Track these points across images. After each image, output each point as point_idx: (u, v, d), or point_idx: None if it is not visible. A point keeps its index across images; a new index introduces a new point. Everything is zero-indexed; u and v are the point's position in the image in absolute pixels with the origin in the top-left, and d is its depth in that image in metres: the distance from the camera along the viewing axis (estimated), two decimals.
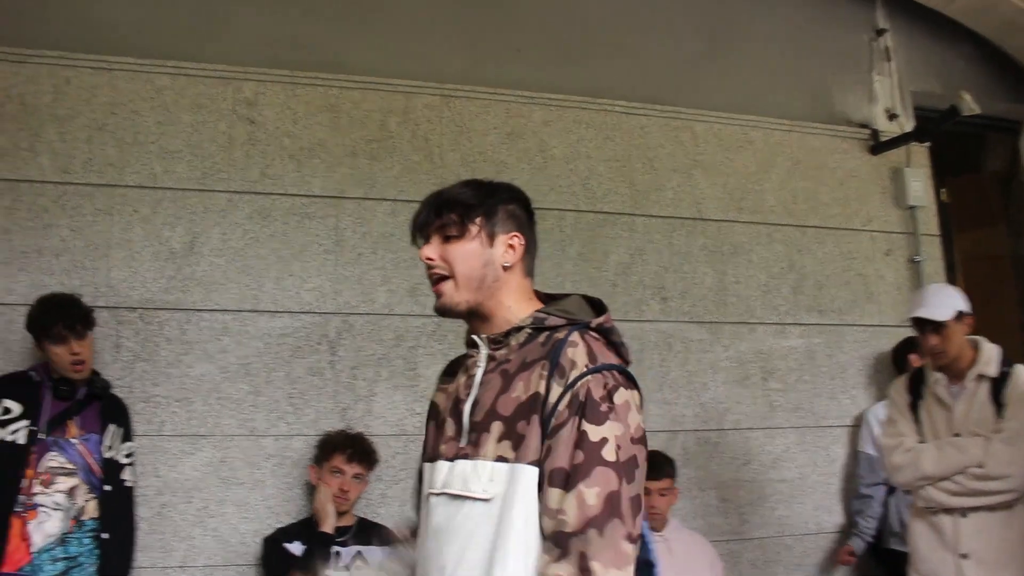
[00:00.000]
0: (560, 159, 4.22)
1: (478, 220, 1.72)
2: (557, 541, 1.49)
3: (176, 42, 3.90)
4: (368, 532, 3.43)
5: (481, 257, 1.71)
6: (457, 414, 1.71)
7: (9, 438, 3.06)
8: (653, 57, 4.47)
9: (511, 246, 1.74)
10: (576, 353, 1.60)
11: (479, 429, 1.64)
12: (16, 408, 3.12)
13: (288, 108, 3.94)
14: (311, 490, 3.51)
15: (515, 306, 1.73)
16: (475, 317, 1.75)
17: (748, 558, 4.16)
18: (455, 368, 1.88)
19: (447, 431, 1.73)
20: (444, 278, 1.72)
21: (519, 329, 1.70)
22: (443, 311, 1.74)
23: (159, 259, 3.68)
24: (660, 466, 3.60)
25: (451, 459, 1.67)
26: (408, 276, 3.90)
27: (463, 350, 1.85)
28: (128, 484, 3.27)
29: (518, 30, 4.32)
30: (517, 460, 1.56)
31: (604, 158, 4.28)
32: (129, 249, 3.66)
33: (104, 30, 3.85)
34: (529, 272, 1.79)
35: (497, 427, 1.61)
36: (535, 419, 1.56)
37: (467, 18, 4.28)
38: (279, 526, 3.48)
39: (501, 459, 1.58)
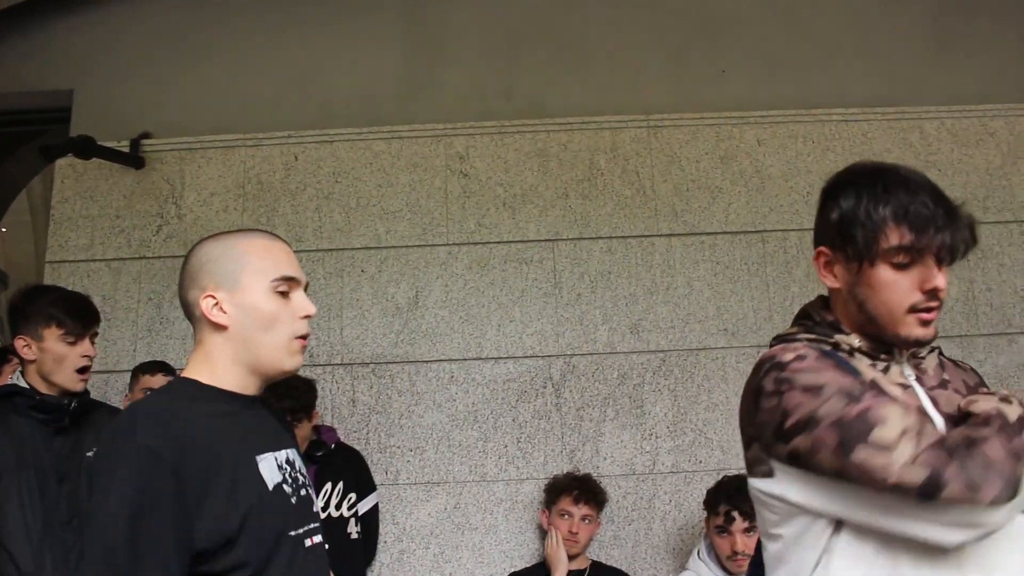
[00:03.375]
0: (778, 177, 4.04)
1: None
2: None
3: (389, 107, 4.12)
4: None
5: None
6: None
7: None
8: (868, 58, 4.20)
9: None
10: None
11: None
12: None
13: (499, 157, 4.04)
14: (543, 534, 3.51)
15: None
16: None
17: None
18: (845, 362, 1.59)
19: None
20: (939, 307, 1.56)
21: (931, 351, 1.64)
22: (929, 343, 1.58)
23: (387, 315, 3.86)
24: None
25: None
26: (628, 313, 3.86)
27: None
28: (353, 537, 3.38)
29: (721, 51, 4.21)
30: None
31: (825, 171, 3.96)
32: (359, 308, 3.86)
33: (325, 105, 4.14)
34: None
35: None
36: None
37: (667, 46, 4.22)
38: (513, 570, 3.50)
39: None
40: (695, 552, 3.30)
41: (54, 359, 2.63)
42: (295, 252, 3.83)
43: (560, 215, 3.97)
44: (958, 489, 1.30)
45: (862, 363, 1.55)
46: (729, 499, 3.17)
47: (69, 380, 2.64)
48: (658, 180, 4.02)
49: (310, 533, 1.62)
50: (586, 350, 3.84)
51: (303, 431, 3.32)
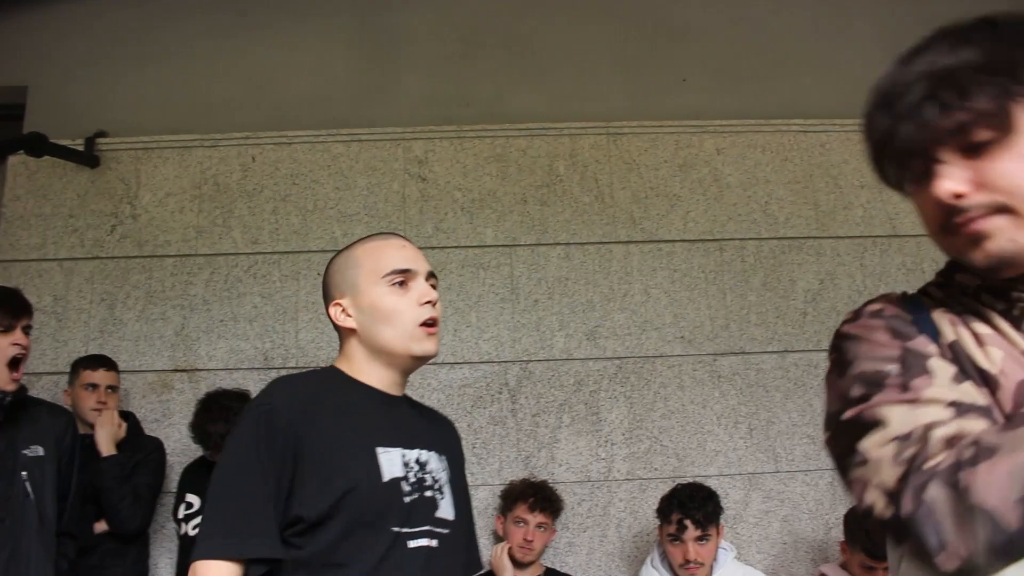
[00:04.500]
0: (736, 186, 4.06)
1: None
2: None
3: (349, 110, 4.10)
4: None
5: None
6: None
7: (192, 533, 3.20)
8: (826, 70, 4.23)
9: None
10: None
11: None
12: (196, 502, 3.26)
13: (457, 162, 4.02)
14: (499, 541, 3.49)
15: None
16: None
17: None
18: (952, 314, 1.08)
19: None
20: (998, 211, 0.98)
21: None
22: (1001, 265, 1.00)
23: None
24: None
25: None
26: (585, 319, 3.85)
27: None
28: None
29: (682, 59, 4.23)
30: None
31: (784, 181, 4.08)
32: (315, 311, 3.83)
33: (284, 107, 4.11)
34: None
35: None
36: None
37: (629, 54, 4.23)
38: None
39: None
40: (648, 560, 3.30)
41: None
42: (251, 255, 3.82)
43: (518, 220, 3.97)
44: (914, 547, 0.88)
45: (983, 312, 1.05)
46: (682, 507, 3.16)
47: (4, 379, 2.61)
48: (617, 187, 4.02)
49: (422, 535, 1.65)
50: (542, 356, 3.83)
51: None
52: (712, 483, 3.38)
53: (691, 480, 3.39)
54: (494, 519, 3.56)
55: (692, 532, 3.11)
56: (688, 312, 3.89)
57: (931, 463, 0.88)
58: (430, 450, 1.75)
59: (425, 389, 3.76)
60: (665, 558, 3.23)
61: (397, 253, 1.78)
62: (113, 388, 3.47)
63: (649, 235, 3.96)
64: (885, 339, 1.06)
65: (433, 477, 1.72)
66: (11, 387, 2.64)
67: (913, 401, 0.97)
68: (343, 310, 1.76)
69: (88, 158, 3.99)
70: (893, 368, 1.02)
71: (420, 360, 1.77)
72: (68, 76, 4.21)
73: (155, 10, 4.29)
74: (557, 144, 4.06)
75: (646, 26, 4.27)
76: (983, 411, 0.95)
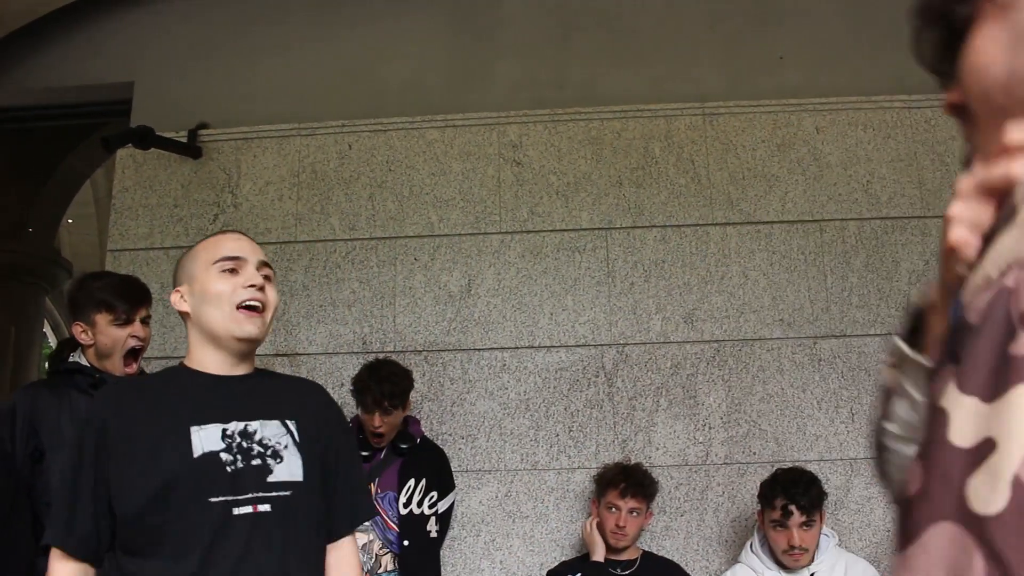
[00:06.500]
0: (836, 166, 3.96)
1: None
2: None
3: (442, 96, 4.12)
4: (653, 567, 3.34)
5: None
6: None
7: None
8: None
9: None
10: None
11: None
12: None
13: (551, 146, 4.02)
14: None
15: None
16: None
17: None
18: None
19: None
20: None
21: None
22: None
23: (439, 303, 3.87)
24: None
25: None
26: (683, 302, 3.82)
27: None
28: (432, 536, 3.33)
29: (778, 37, 4.13)
30: None
31: (886, 159, 3.97)
32: (412, 295, 3.88)
33: (379, 94, 4.15)
34: None
35: None
36: None
37: (725, 33, 4.16)
38: (563, 559, 3.48)
39: None
40: (748, 545, 3.26)
41: (107, 343, 2.71)
42: (349, 241, 3.88)
43: (613, 203, 3.94)
44: None
45: None
46: (786, 492, 3.10)
47: (119, 369, 2.71)
48: (713, 168, 3.97)
49: (248, 502, 1.75)
50: (639, 339, 3.81)
51: (395, 419, 3.32)
52: (812, 468, 3.31)
53: (791, 465, 3.32)
54: (590, 502, 3.55)
55: (797, 518, 3.05)
56: (787, 294, 3.82)
57: None
58: (268, 419, 1.84)
59: (522, 372, 3.78)
60: (765, 543, 3.19)
61: (229, 243, 1.90)
62: None
63: (747, 217, 3.90)
64: None
65: (263, 444, 1.80)
66: (130, 371, 2.74)
67: None
68: (181, 296, 1.88)
69: (191, 149, 4.10)
70: None
71: (245, 342, 1.85)
72: (171, 71, 4.33)
73: (252, 4, 4.39)
74: (652, 126, 4.02)
75: (741, 3, 4.18)
76: None
